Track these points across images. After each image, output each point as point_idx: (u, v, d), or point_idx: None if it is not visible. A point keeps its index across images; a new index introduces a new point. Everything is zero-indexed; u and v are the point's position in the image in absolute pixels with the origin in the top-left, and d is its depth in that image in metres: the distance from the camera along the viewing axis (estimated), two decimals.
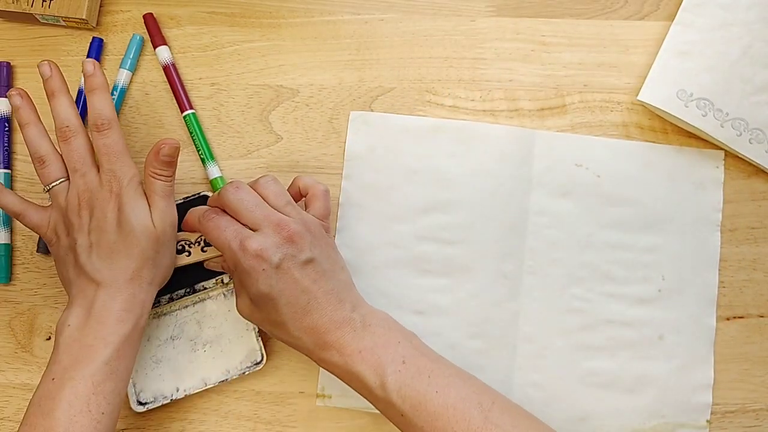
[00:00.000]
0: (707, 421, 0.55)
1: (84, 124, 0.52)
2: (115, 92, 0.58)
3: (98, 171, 0.50)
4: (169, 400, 0.54)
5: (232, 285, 0.55)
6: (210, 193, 0.55)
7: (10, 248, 0.57)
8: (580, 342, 0.55)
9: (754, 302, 0.56)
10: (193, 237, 0.54)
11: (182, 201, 0.55)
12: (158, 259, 0.50)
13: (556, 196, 0.57)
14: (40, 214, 0.51)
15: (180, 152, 0.50)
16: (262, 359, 0.54)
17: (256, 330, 0.55)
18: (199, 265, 0.54)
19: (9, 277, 0.57)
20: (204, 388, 0.54)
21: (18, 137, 0.58)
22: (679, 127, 0.58)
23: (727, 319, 0.56)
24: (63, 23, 0.58)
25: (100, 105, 0.50)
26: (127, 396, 0.53)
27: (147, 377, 0.54)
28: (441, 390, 0.47)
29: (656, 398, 0.54)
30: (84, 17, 0.57)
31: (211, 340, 0.55)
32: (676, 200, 0.57)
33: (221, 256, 0.52)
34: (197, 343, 0.55)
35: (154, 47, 0.58)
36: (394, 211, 0.56)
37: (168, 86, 0.58)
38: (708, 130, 0.56)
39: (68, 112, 0.51)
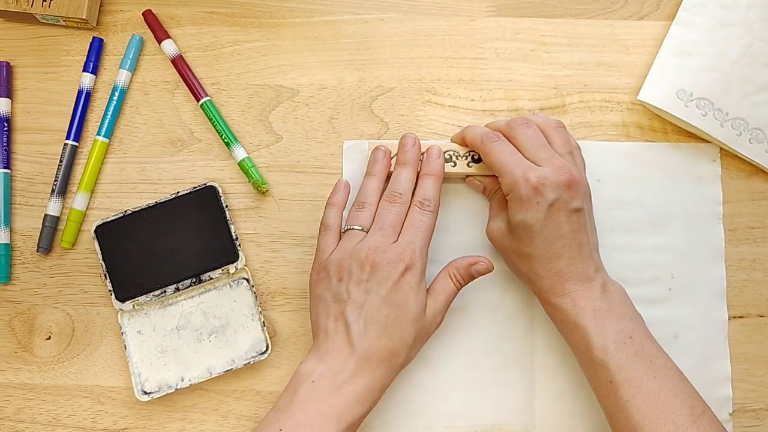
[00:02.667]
0: (730, 414, 0.55)
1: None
2: (115, 93, 0.58)
3: (396, 241, 0.50)
4: (173, 390, 0.54)
5: (237, 275, 0.55)
6: (215, 184, 0.55)
7: (10, 248, 0.57)
8: None
9: (754, 302, 0.56)
10: (461, 150, 0.54)
11: (189, 191, 0.55)
12: (412, 350, 0.50)
13: None
14: (332, 243, 0.52)
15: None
16: (267, 349, 0.54)
17: (262, 320, 0.55)
18: (162, 263, 0.55)
19: (9, 277, 0.57)
20: (209, 378, 0.54)
21: (18, 137, 0.58)
22: (678, 126, 0.58)
23: (727, 318, 0.56)
24: (63, 23, 0.58)
25: (432, 189, 0.52)
26: (131, 385, 0.54)
27: (152, 367, 0.55)
28: (659, 378, 0.47)
29: None
30: (84, 17, 0.57)
31: (217, 330, 0.55)
32: (677, 197, 0.57)
33: (489, 176, 0.54)
34: (202, 333, 0.55)
35: (159, 42, 0.58)
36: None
37: (168, 86, 0.58)
38: (708, 130, 0.56)
39: (407, 183, 0.52)
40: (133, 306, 0.55)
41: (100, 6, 0.59)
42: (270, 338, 0.55)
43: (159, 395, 0.54)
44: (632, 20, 0.59)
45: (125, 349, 0.55)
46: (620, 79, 0.59)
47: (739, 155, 0.56)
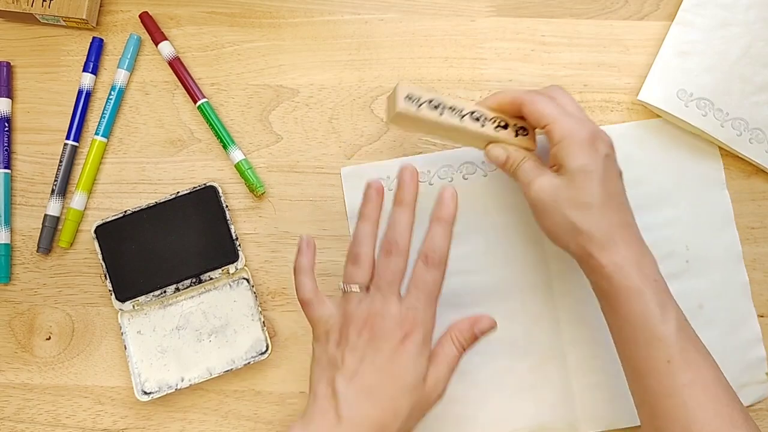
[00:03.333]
0: (766, 373, 0.55)
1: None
2: (113, 92, 0.58)
3: (398, 300, 0.47)
4: (173, 390, 0.54)
5: (237, 275, 0.55)
6: (215, 184, 0.55)
7: (10, 248, 0.57)
8: None
9: (754, 302, 0.56)
10: (489, 114, 0.51)
11: (189, 191, 0.55)
12: (409, 420, 0.46)
13: None
14: (326, 311, 0.48)
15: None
16: (267, 349, 0.54)
17: (262, 320, 0.55)
18: (162, 264, 0.55)
19: (9, 277, 0.57)
20: (209, 378, 0.54)
21: (18, 137, 0.58)
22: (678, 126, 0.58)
23: (748, 281, 0.56)
24: (63, 23, 0.58)
25: (440, 240, 0.48)
26: (131, 385, 0.54)
27: (152, 367, 0.55)
28: (715, 368, 0.45)
29: None
30: (84, 17, 0.57)
31: (217, 330, 0.55)
32: (678, 170, 0.57)
33: (515, 144, 0.50)
34: (202, 333, 0.55)
35: (156, 44, 0.58)
36: (411, 256, 0.55)
37: (168, 86, 0.58)
38: (708, 130, 0.56)
39: (405, 230, 0.48)
40: (133, 306, 0.55)
41: (100, 6, 0.59)
42: (270, 338, 0.55)
43: (159, 395, 0.54)
44: (632, 20, 0.59)
45: (125, 349, 0.55)
46: (620, 79, 0.59)
47: (740, 155, 0.56)
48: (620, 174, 0.49)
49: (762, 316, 0.56)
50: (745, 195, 0.57)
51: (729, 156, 0.58)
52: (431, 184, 0.57)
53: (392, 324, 0.46)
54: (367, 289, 0.48)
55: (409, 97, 0.48)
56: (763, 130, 0.56)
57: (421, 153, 0.58)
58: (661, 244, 0.56)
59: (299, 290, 0.49)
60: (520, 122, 0.51)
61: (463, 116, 0.50)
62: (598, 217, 0.46)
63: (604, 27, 0.59)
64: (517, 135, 0.51)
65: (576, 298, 0.55)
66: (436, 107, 0.49)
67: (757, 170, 0.58)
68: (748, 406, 0.55)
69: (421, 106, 0.49)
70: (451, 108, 0.50)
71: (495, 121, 0.51)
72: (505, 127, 0.51)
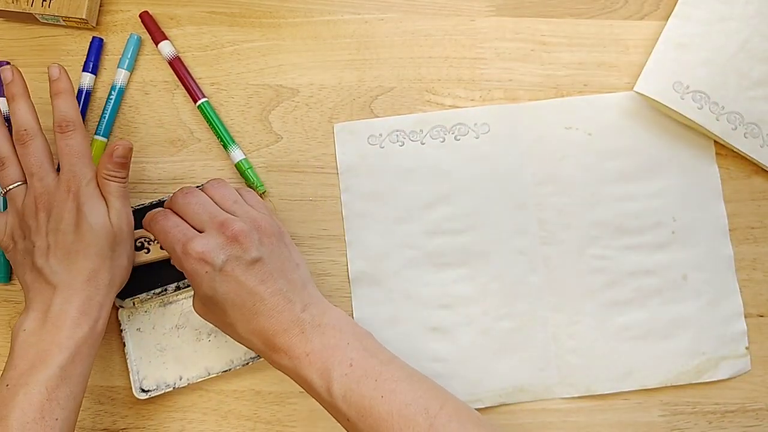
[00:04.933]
0: (746, 348, 0.55)
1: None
2: (113, 92, 0.58)
3: (56, 174, 0.50)
4: (171, 389, 0.54)
5: None
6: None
7: None
8: (609, 300, 0.56)
9: (754, 302, 0.56)
10: (151, 235, 0.53)
11: (140, 207, 0.55)
12: (115, 259, 0.50)
13: (552, 162, 0.57)
14: (1, 219, 0.51)
15: (132, 153, 0.51)
16: None
17: None
18: (162, 263, 0.54)
19: (9, 277, 0.57)
20: (207, 377, 0.54)
21: None
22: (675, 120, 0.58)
23: (733, 255, 0.57)
24: (63, 23, 0.58)
25: (64, 107, 0.51)
26: (130, 384, 0.54)
27: (150, 365, 0.54)
28: (387, 395, 0.45)
29: (693, 338, 0.55)
30: (84, 17, 0.57)
31: (216, 330, 0.55)
32: (668, 141, 0.57)
33: None
34: (202, 333, 0.55)
35: (156, 44, 0.58)
36: (399, 213, 0.56)
37: (168, 85, 0.58)
38: (703, 123, 0.56)
39: (27, 116, 0.51)
40: (134, 303, 0.55)
41: (100, 6, 0.59)
42: None
43: (157, 393, 0.54)
44: (632, 20, 0.59)
45: (124, 346, 0.55)
46: (620, 79, 0.59)
47: (734, 149, 0.56)
48: (255, 260, 0.47)
49: (762, 316, 0.56)
50: (745, 195, 0.57)
51: (728, 156, 0.58)
52: (423, 144, 0.57)
53: (57, 193, 0.50)
54: (25, 183, 0.51)
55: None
56: (759, 125, 0.56)
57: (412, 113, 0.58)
58: (648, 213, 0.57)
59: None
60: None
61: (139, 248, 0.54)
62: (243, 332, 0.48)
63: (604, 27, 0.59)
64: (162, 248, 0.52)
65: (561, 263, 0.56)
66: (139, 248, 0.54)
67: (757, 170, 0.58)
68: (726, 379, 0.55)
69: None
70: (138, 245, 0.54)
71: (157, 241, 0.53)
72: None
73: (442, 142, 0.57)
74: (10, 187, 0.51)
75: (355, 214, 0.57)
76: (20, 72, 0.53)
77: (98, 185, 0.51)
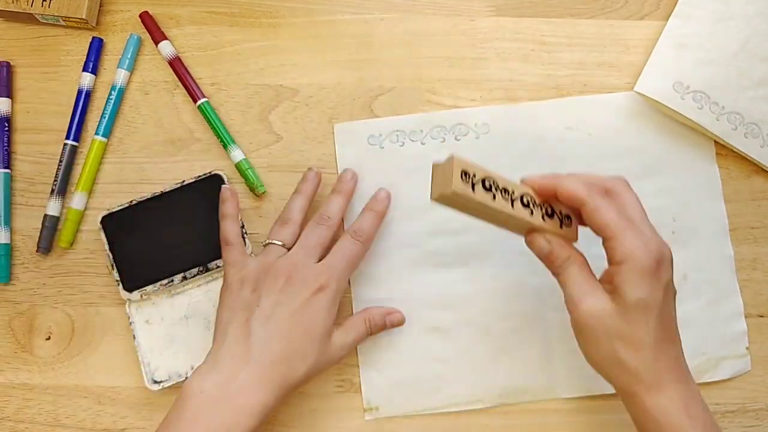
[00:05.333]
0: (746, 348, 0.56)
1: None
2: (113, 92, 0.58)
3: (317, 262, 0.51)
4: (183, 379, 0.54)
5: None
6: (221, 173, 0.56)
7: (10, 248, 0.57)
8: None
9: (754, 302, 0.56)
10: (538, 198, 0.46)
11: (195, 180, 0.55)
12: (309, 373, 0.49)
13: (552, 162, 0.57)
14: (243, 257, 0.51)
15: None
16: None
17: None
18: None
19: (9, 277, 0.57)
20: None
21: (18, 137, 0.58)
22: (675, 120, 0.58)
23: (733, 255, 0.57)
24: (63, 23, 0.58)
25: (369, 223, 0.53)
26: (133, 383, 0.54)
27: (161, 356, 0.54)
28: None
29: (694, 337, 0.55)
30: (84, 17, 0.57)
31: None
32: (668, 141, 0.57)
33: (561, 237, 0.46)
34: (211, 322, 0.55)
35: (156, 44, 0.58)
36: (400, 213, 0.56)
37: (168, 85, 0.58)
38: (703, 123, 0.56)
39: (337, 210, 0.53)
40: (141, 296, 0.55)
41: (100, 6, 0.59)
42: None
43: (169, 384, 0.54)
44: (632, 20, 0.59)
45: (134, 339, 0.54)
46: (620, 79, 0.59)
47: (734, 149, 0.56)
48: (675, 295, 0.45)
49: (762, 316, 0.56)
50: (745, 195, 0.57)
51: (728, 156, 0.58)
52: (423, 144, 0.57)
53: (310, 275, 0.49)
54: (288, 249, 0.51)
55: (464, 174, 0.43)
56: (759, 125, 0.56)
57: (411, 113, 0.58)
58: (648, 213, 0.56)
59: (224, 232, 0.52)
60: (564, 209, 0.47)
61: (514, 200, 0.45)
62: (650, 357, 0.43)
63: (604, 27, 0.59)
64: (562, 226, 0.47)
65: None
66: (488, 189, 0.44)
67: (757, 170, 0.58)
68: (726, 380, 0.55)
69: (476, 187, 0.43)
70: (503, 190, 0.45)
71: (542, 208, 0.46)
72: (552, 215, 0.46)
73: (443, 142, 0.57)
74: (275, 241, 0.51)
75: (356, 214, 0.57)
76: (356, 178, 0.56)
77: (337, 300, 0.50)
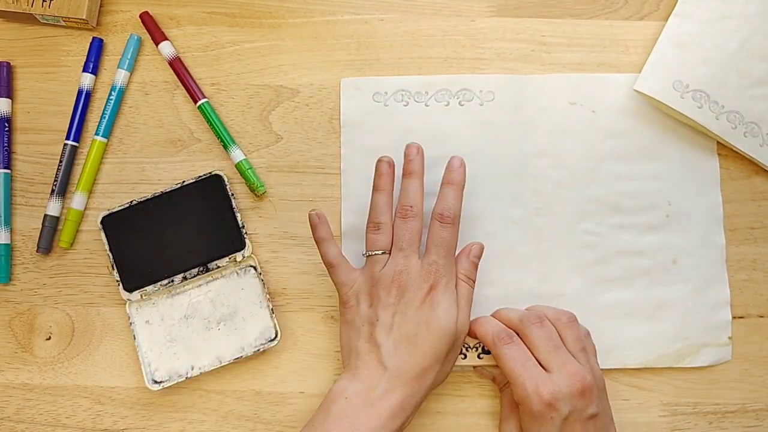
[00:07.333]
0: (729, 338, 0.56)
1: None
2: (113, 92, 0.58)
3: (419, 257, 0.51)
4: (183, 379, 0.54)
5: (244, 263, 0.55)
6: (221, 173, 0.55)
7: (10, 248, 0.57)
8: (597, 276, 0.56)
9: (754, 302, 0.56)
10: (472, 342, 0.54)
11: (195, 180, 0.55)
12: (446, 363, 0.50)
13: (554, 136, 0.57)
14: (350, 275, 0.52)
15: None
16: (276, 336, 0.54)
17: (270, 307, 0.55)
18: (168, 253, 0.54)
19: (9, 277, 0.57)
20: (219, 366, 0.54)
21: (18, 137, 0.58)
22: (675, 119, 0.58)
23: (725, 244, 0.57)
24: (63, 23, 0.58)
25: (453, 200, 0.52)
26: (133, 383, 0.54)
27: (162, 356, 0.55)
28: None
29: (677, 322, 0.55)
30: (84, 17, 0.57)
31: (225, 318, 0.55)
32: (672, 125, 0.57)
33: (496, 367, 0.53)
34: (211, 322, 0.55)
35: (156, 44, 0.58)
36: (397, 172, 0.56)
37: (168, 86, 0.58)
38: (703, 122, 0.56)
39: (416, 196, 0.52)
40: (141, 296, 0.55)
41: (100, 6, 0.59)
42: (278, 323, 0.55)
43: (169, 384, 0.54)
44: (632, 20, 0.59)
45: (134, 339, 0.55)
46: None
47: (734, 149, 0.56)
48: (592, 416, 0.49)
49: (762, 316, 0.56)
50: (745, 195, 0.57)
51: (728, 156, 0.58)
52: (427, 105, 0.58)
53: (417, 278, 0.50)
54: (389, 252, 0.52)
55: None
56: (759, 124, 0.56)
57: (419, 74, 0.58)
58: (644, 195, 0.57)
59: (325, 255, 0.52)
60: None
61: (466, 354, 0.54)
62: None
63: (604, 27, 0.59)
64: (480, 356, 0.54)
65: (553, 236, 0.56)
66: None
67: (757, 170, 0.58)
68: (706, 367, 0.55)
69: None
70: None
71: (477, 348, 0.54)
72: (488, 352, 0.53)
73: (446, 105, 0.57)
74: (376, 252, 0.52)
75: (353, 168, 0.57)
76: (422, 151, 0.54)
77: (452, 287, 0.51)
